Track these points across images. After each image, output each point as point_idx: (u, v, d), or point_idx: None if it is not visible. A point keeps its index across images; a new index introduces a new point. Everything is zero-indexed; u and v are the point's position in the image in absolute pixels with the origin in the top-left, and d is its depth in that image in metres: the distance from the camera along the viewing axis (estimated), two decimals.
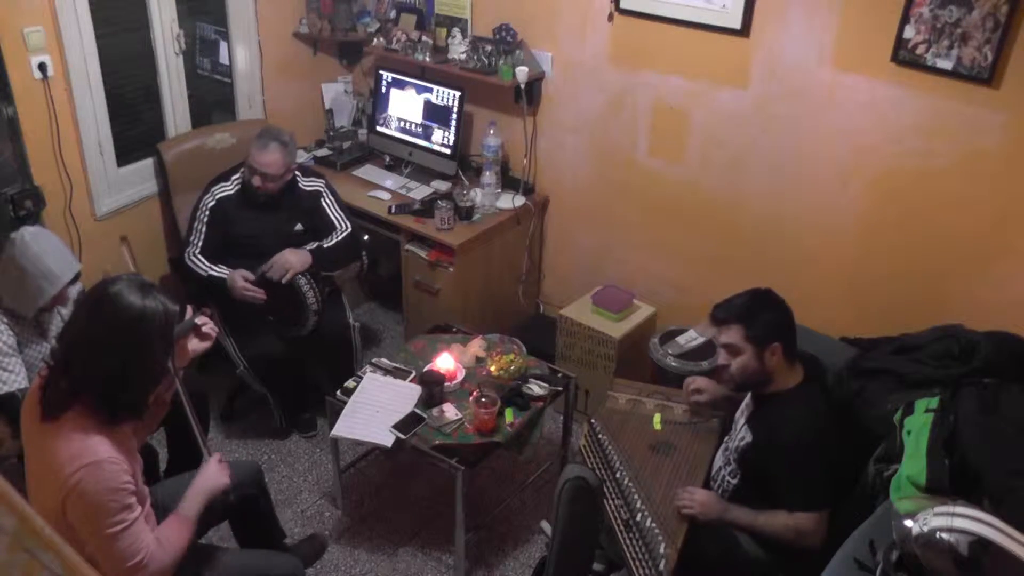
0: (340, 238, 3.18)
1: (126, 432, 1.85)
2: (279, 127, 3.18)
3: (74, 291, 2.53)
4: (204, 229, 3.08)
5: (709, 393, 2.53)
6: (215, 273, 3.02)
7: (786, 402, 2.19)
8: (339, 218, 3.23)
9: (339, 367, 3.12)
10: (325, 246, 3.14)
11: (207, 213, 3.08)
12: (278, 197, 3.12)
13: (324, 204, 3.23)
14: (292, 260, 2.99)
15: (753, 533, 2.17)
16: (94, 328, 1.77)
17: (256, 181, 3.04)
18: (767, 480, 2.17)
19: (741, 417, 2.33)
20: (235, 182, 3.13)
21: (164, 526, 1.92)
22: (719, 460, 2.39)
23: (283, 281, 2.96)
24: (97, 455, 1.72)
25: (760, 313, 2.19)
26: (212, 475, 2.07)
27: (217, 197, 3.09)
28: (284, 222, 3.15)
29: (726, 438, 2.41)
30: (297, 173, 3.19)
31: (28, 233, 2.37)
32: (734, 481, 2.28)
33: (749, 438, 2.23)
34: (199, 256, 3.05)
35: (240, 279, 2.97)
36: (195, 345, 2.10)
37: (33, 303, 2.36)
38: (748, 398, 2.33)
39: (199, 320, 2.10)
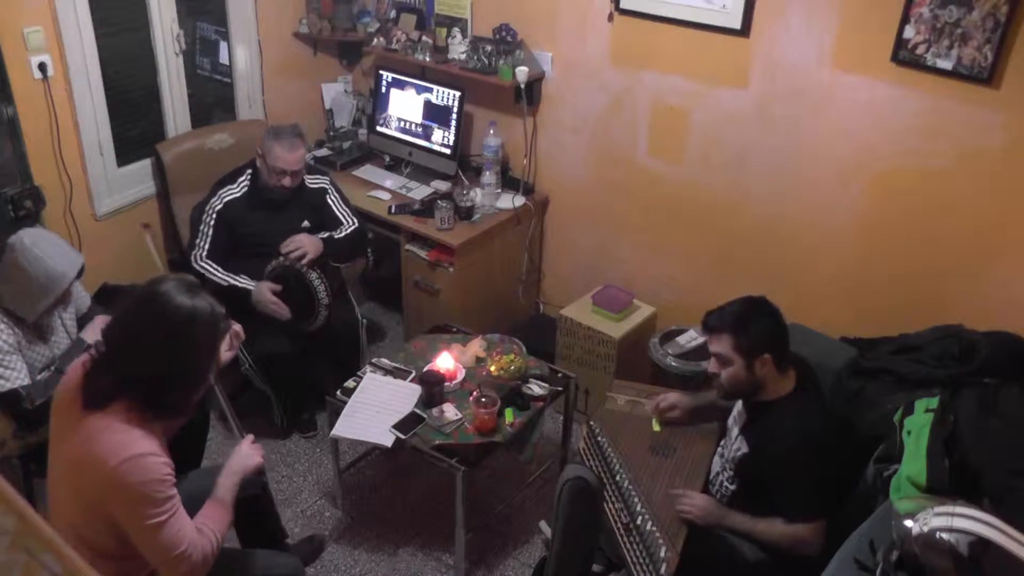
0: (349, 231, 3.20)
1: (157, 429, 1.86)
2: (288, 123, 3.16)
3: (77, 287, 2.53)
4: (210, 233, 3.05)
5: (681, 408, 2.52)
6: (239, 284, 2.99)
7: (779, 411, 2.17)
8: (345, 214, 3.24)
9: (345, 363, 3.12)
10: (336, 236, 3.15)
11: (214, 217, 3.06)
12: (288, 196, 3.12)
13: (330, 201, 3.24)
14: (306, 242, 3.01)
15: (751, 540, 2.16)
16: (142, 327, 1.78)
17: (287, 181, 3.04)
18: (764, 487, 2.17)
19: (735, 426, 2.31)
20: (241, 184, 3.12)
21: (202, 513, 1.93)
22: (716, 465, 2.38)
23: (298, 265, 2.96)
24: (141, 448, 1.74)
25: (751, 323, 2.16)
26: (245, 455, 2.09)
27: (225, 200, 3.08)
28: (292, 220, 3.15)
29: (721, 444, 2.40)
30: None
31: (27, 236, 2.34)
32: (732, 487, 2.28)
33: (744, 448, 2.23)
34: (208, 261, 3.03)
35: (268, 291, 2.95)
36: (225, 354, 2.12)
37: (37, 305, 2.35)
38: (740, 406, 2.32)
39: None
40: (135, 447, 1.74)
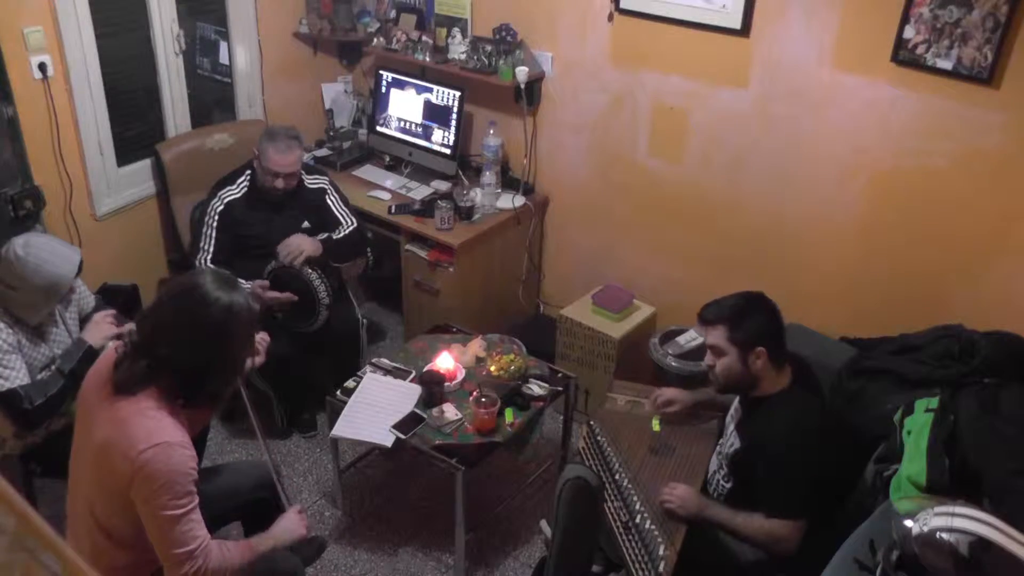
0: (348, 231, 3.20)
1: (185, 422, 1.87)
2: (283, 125, 3.16)
3: (80, 285, 2.52)
4: (214, 235, 3.05)
5: (680, 403, 2.53)
6: None
7: (774, 407, 2.18)
8: (344, 214, 3.24)
9: (345, 363, 3.12)
10: (335, 237, 3.15)
11: (216, 218, 3.06)
12: (287, 196, 3.12)
13: (329, 201, 3.24)
14: (303, 243, 3.01)
15: (729, 533, 2.17)
16: (183, 318, 1.80)
17: (280, 184, 3.03)
18: (757, 484, 2.18)
19: (731, 423, 2.32)
20: (241, 185, 3.11)
21: (232, 543, 1.95)
22: (713, 464, 2.38)
23: (295, 263, 2.96)
24: (172, 437, 1.77)
25: (747, 316, 2.17)
26: (291, 524, 2.10)
27: (226, 201, 3.07)
28: (292, 220, 3.15)
29: (719, 442, 2.41)
30: (301, 170, 3.20)
31: (19, 247, 2.27)
32: (728, 485, 2.28)
33: (738, 444, 2.24)
34: (212, 266, 3.02)
35: (260, 289, 2.95)
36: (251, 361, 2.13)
37: (42, 311, 2.34)
38: (736, 403, 2.33)
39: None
40: (166, 434, 1.76)
